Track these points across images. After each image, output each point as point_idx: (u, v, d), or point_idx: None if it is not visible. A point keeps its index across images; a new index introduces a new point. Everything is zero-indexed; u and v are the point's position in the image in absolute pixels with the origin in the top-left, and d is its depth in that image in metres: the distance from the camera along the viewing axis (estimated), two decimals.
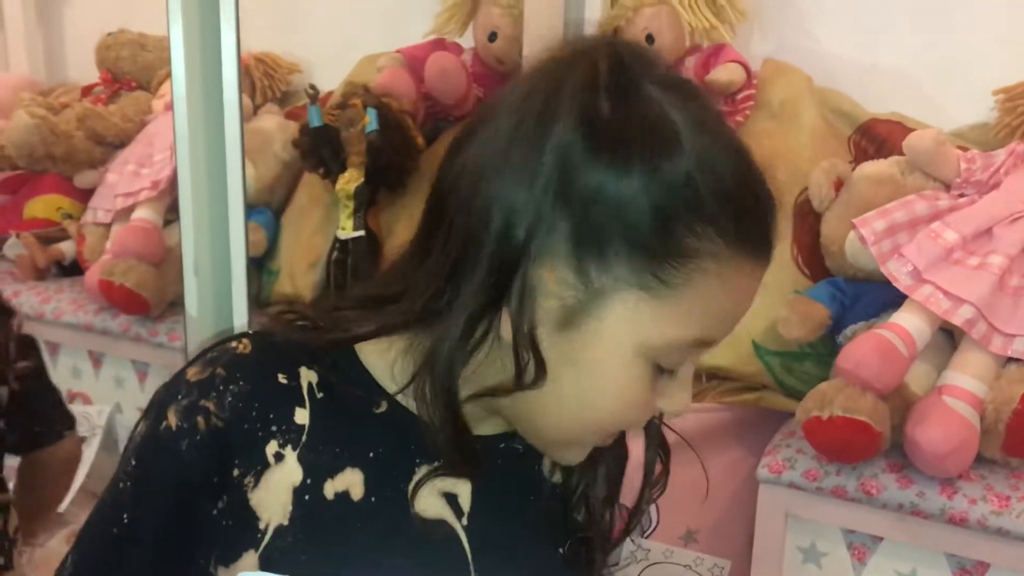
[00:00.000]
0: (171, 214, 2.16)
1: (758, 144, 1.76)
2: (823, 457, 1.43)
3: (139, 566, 0.64)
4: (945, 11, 1.75)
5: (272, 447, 0.62)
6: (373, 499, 0.62)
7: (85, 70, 2.57)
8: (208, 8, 1.20)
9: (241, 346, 0.64)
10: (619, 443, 0.72)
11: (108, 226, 2.15)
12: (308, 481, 0.62)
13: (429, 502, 0.64)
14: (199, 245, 1.25)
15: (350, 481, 0.62)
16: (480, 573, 0.64)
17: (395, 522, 0.62)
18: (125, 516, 0.64)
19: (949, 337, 1.49)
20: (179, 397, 0.62)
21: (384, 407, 0.64)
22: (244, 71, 2.43)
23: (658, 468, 0.71)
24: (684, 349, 0.58)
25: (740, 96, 1.74)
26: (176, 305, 2.09)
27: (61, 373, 2.19)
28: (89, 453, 2.15)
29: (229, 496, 0.62)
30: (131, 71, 2.39)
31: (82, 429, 2.20)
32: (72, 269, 2.28)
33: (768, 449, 1.52)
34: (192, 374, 0.63)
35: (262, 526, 0.62)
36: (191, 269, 1.21)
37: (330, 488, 0.62)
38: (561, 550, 0.68)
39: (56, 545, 1.94)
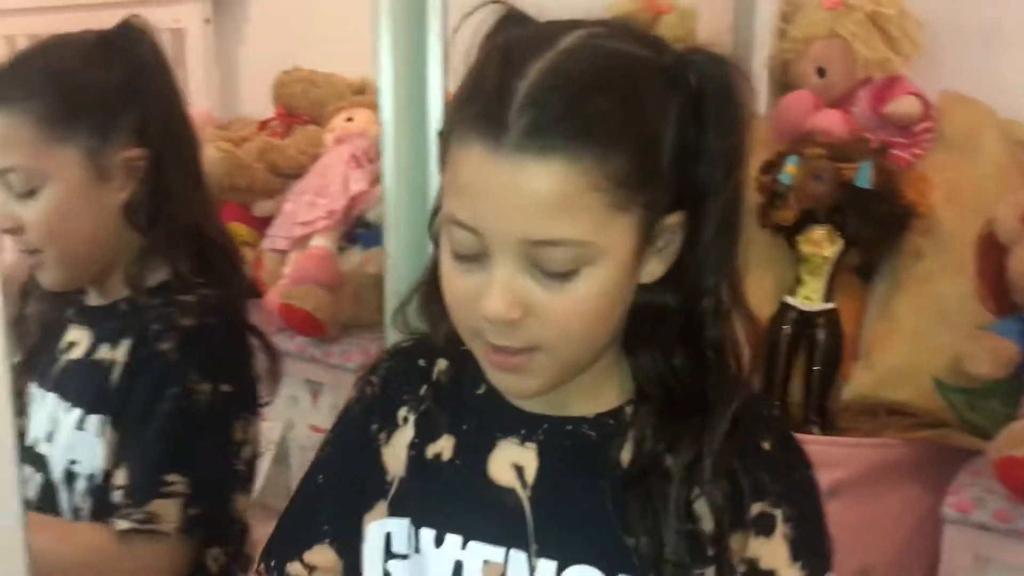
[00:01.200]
0: (343, 241, 2.27)
1: (939, 177, 1.74)
2: (1016, 497, 1.39)
3: (329, 518, 0.77)
4: None
5: (402, 412, 0.77)
6: (458, 462, 0.73)
7: (256, 105, 2.73)
8: (415, 46, 1.26)
9: (407, 342, 0.80)
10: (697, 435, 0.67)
11: (284, 253, 2.27)
12: (417, 440, 0.75)
13: (503, 471, 0.72)
14: (401, 273, 1.31)
15: (444, 446, 0.74)
16: (539, 542, 0.70)
17: (473, 485, 0.72)
18: (320, 476, 0.80)
19: None
20: (359, 380, 0.80)
21: (483, 389, 0.74)
22: None
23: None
24: (447, 224, 0.65)
25: (918, 128, 1.72)
26: (349, 328, 2.20)
27: None
28: (262, 468, 2.26)
29: (371, 450, 0.76)
30: (303, 106, 2.52)
31: None
32: (246, 293, 2.41)
33: (952, 487, 1.49)
34: (375, 362, 0.81)
35: (389, 479, 0.75)
36: (392, 295, 1.27)
37: (431, 450, 0.74)
38: (632, 541, 0.67)
39: None
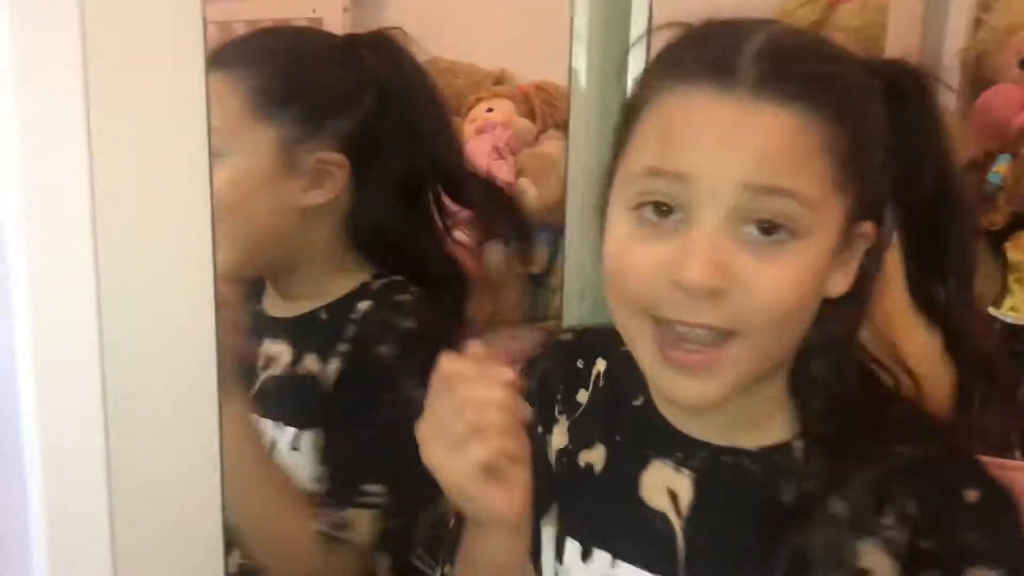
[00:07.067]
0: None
1: None
2: None
3: None
4: None
5: (557, 409, 0.74)
6: (609, 476, 0.70)
7: None
8: (614, 41, 1.19)
9: (567, 335, 0.78)
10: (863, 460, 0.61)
11: None
12: (570, 447, 0.72)
13: (656, 494, 0.67)
14: (583, 272, 1.26)
15: (596, 456, 0.71)
16: (690, 574, 0.65)
17: (623, 502, 0.68)
18: None
19: None
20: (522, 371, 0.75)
21: (640, 400, 0.70)
22: (524, 98, 2.47)
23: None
24: (638, 179, 0.60)
25: None
26: (487, 325, 2.13)
27: None
28: None
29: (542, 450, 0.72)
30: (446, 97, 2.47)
31: None
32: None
33: None
34: (533, 356, 0.78)
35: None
36: (575, 294, 1.23)
37: (583, 457, 0.72)
38: None
39: None
